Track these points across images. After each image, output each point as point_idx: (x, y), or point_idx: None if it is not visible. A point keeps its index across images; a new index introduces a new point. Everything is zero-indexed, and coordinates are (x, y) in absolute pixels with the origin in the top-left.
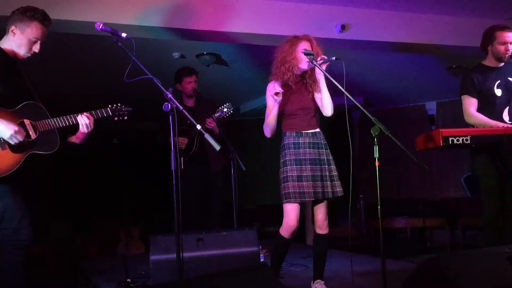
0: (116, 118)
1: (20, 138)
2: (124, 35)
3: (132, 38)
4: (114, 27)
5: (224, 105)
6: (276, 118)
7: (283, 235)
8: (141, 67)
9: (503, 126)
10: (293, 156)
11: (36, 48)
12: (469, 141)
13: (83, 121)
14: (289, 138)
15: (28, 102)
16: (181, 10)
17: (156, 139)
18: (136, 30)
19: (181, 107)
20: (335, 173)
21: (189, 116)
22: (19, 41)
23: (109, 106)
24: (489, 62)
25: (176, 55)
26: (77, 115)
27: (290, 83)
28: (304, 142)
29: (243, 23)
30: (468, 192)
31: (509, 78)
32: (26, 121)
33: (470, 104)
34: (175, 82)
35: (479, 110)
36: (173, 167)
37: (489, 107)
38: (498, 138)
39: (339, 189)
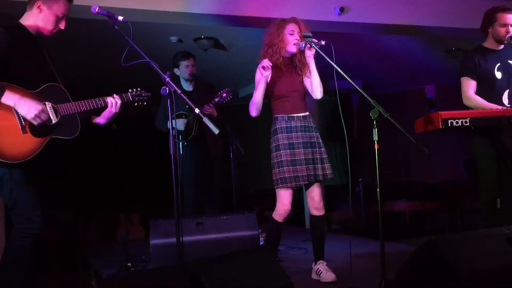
0: (136, 104)
1: (43, 118)
2: (120, 18)
3: (129, 22)
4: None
5: (223, 90)
6: (263, 95)
7: (277, 220)
8: (139, 51)
9: (502, 109)
10: (286, 140)
11: (62, 24)
12: (468, 123)
13: (113, 100)
14: (281, 122)
15: (50, 83)
16: None
17: (154, 124)
18: (133, 14)
19: (179, 91)
20: (325, 155)
21: (187, 100)
22: (47, 17)
23: (130, 90)
24: (490, 44)
25: (173, 39)
26: (105, 98)
27: (279, 65)
28: (296, 126)
29: (241, 6)
30: (467, 175)
31: (509, 61)
32: (48, 104)
33: (469, 87)
34: (172, 67)
35: (479, 92)
36: (171, 151)
37: (489, 89)
38: (497, 120)
39: (328, 171)
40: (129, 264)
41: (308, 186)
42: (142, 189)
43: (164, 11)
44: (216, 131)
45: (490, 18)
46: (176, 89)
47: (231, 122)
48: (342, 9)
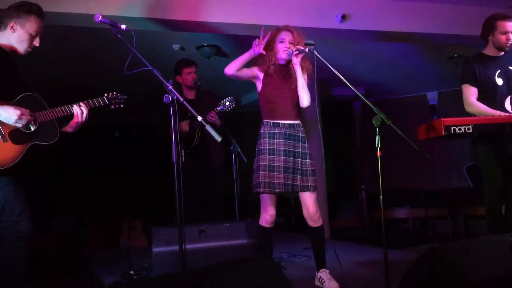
0: (112, 107)
1: (25, 119)
2: (123, 26)
3: (132, 30)
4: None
5: (226, 98)
6: (243, 63)
7: (264, 225)
8: (141, 59)
9: (504, 115)
10: (267, 146)
11: (37, 42)
12: (471, 130)
13: (78, 110)
14: (265, 128)
15: (25, 94)
16: (178, 1)
17: (157, 132)
18: (136, 22)
19: (181, 99)
20: (309, 167)
21: (190, 107)
22: (20, 36)
23: (105, 94)
24: (489, 51)
25: (176, 47)
26: (73, 105)
27: (271, 73)
28: (280, 133)
29: (242, 13)
30: (470, 181)
31: (509, 67)
32: None
33: (470, 94)
34: (174, 74)
35: (480, 100)
36: (174, 159)
37: (491, 96)
38: (500, 127)
39: (311, 184)
40: (131, 271)
41: (301, 198)
42: (145, 196)
43: (167, 20)
44: (218, 138)
45: (490, 26)
46: (179, 96)
47: (234, 130)
48: (344, 17)
